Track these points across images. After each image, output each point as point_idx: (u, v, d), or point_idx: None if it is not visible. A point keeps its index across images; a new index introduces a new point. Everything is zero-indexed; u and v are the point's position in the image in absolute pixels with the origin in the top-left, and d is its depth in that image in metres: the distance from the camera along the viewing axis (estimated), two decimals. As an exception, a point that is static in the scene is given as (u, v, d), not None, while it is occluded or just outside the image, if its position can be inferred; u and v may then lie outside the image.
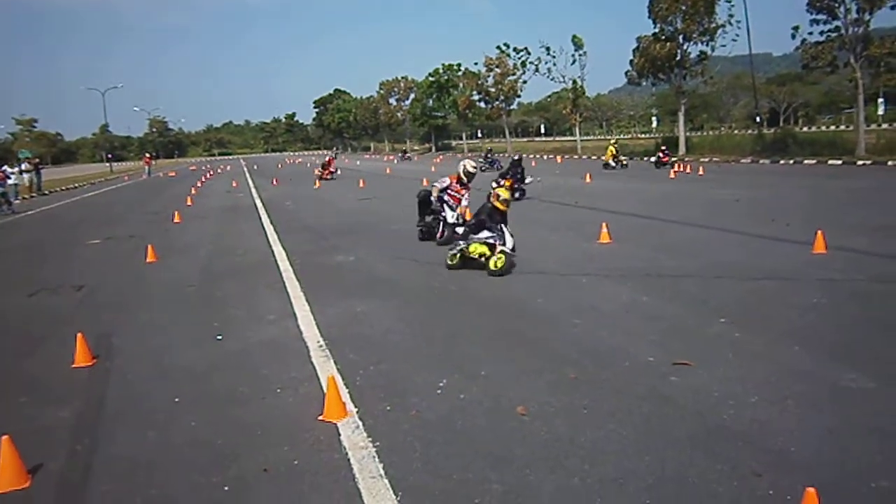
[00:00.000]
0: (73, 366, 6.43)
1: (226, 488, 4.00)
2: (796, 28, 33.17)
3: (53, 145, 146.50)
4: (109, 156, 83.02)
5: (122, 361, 6.58)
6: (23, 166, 39.90)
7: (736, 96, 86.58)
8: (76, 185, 47.36)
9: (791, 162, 31.56)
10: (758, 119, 43.65)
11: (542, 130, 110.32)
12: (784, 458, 3.94)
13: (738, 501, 3.52)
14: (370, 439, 4.48)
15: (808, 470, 3.77)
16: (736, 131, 63.86)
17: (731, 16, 39.43)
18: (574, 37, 52.46)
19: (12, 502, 4.01)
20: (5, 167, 26.32)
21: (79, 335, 6.63)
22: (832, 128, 60.94)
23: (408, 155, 71.02)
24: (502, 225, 9.62)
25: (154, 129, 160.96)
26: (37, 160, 42.01)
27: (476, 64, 70.07)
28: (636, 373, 5.45)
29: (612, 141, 39.86)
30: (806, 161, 31.00)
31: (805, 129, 65.15)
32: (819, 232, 9.87)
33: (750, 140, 39.63)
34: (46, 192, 38.64)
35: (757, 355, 5.70)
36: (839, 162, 29.15)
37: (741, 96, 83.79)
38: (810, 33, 32.65)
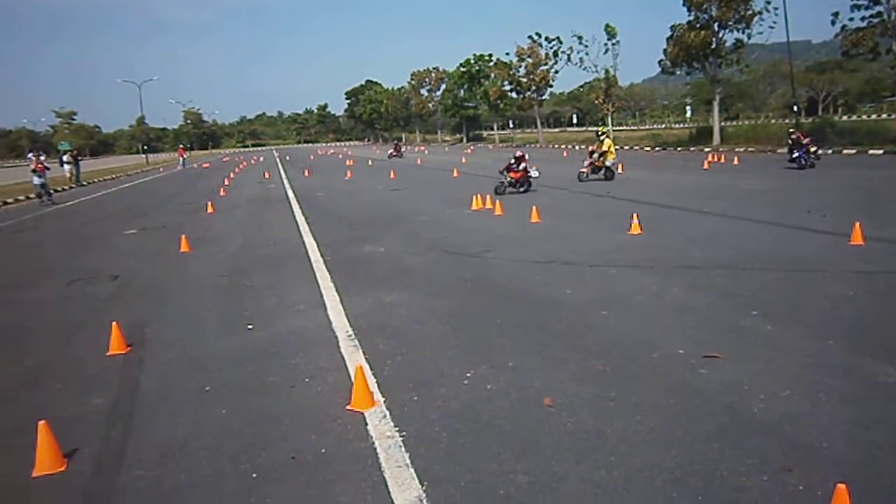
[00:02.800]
0: (108, 354, 6.59)
1: (254, 475, 4.07)
2: (836, 14, 32.30)
3: (91, 137, 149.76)
4: (145, 147, 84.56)
5: (155, 350, 6.72)
6: (64, 158, 40.98)
7: (773, 85, 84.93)
8: (113, 176, 48.33)
9: (830, 151, 30.80)
10: (795, 108, 42.47)
11: (574, 120, 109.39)
12: (815, 453, 3.87)
13: (767, 496, 3.47)
14: (397, 429, 4.52)
15: (839, 466, 3.70)
16: (772, 120, 62.50)
17: (768, 2, 38.34)
18: (607, 26, 51.71)
19: (49, 485, 4.13)
20: (43, 157, 26.92)
21: (114, 324, 6.79)
22: (873, 116, 59.34)
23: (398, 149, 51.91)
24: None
25: (189, 121, 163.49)
26: (76, 152, 43.04)
27: (507, 54, 69.56)
28: (665, 365, 5.40)
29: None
30: (845, 151, 30.23)
31: (845, 117, 63.59)
32: (857, 223, 9.64)
33: (787, 129, 38.72)
34: (85, 182, 39.50)
35: (789, 349, 5.60)
36: (881, 151, 28.35)
37: (778, 85, 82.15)
38: (851, 19, 31.80)
